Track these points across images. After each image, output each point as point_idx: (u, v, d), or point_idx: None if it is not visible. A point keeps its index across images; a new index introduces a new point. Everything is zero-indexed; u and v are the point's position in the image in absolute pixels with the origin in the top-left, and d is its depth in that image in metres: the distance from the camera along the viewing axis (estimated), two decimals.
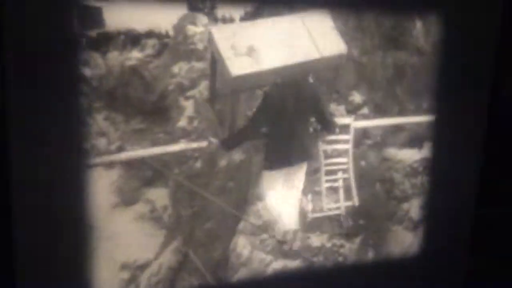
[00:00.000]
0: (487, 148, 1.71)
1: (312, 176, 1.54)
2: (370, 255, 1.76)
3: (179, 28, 1.29)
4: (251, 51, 1.25)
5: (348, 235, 1.77)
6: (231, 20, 1.37)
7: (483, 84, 1.69)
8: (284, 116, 1.35)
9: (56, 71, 1.08)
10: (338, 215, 1.68)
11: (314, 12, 1.33)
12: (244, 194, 1.57)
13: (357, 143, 1.74)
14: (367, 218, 1.78)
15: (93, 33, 1.15)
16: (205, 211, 1.51)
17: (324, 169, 1.53)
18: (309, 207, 1.54)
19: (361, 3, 1.57)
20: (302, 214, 1.54)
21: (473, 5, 1.58)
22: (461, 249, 1.81)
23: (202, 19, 1.32)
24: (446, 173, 1.73)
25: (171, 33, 1.27)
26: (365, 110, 1.71)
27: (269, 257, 1.63)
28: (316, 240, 1.72)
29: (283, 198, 1.46)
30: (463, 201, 1.78)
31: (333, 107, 1.67)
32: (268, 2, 1.43)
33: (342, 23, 1.58)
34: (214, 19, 1.34)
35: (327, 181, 1.56)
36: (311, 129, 1.44)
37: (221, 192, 1.53)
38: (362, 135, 1.74)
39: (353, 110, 1.70)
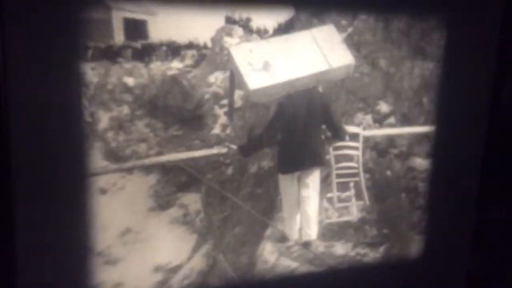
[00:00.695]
0: (488, 150, 1.76)
1: (325, 179, 1.62)
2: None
3: (217, 39, 1.37)
4: (267, 66, 1.34)
5: (372, 244, 1.82)
6: (265, 32, 1.45)
7: (484, 89, 1.73)
8: (297, 124, 1.46)
9: (59, 79, 1.13)
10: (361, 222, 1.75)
11: (322, 28, 1.42)
12: (271, 201, 1.64)
13: (383, 152, 1.79)
14: (392, 228, 1.83)
15: (138, 44, 1.24)
16: (235, 216, 1.58)
17: (335, 172, 1.63)
18: (323, 206, 1.62)
19: (389, 13, 1.63)
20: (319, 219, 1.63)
21: (475, 14, 1.63)
22: (463, 249, 1.84)
23: (238, 31, 1.40)
24: (448, 176, 1.77)
25: (209, 44, 1.35)
26: (391, 120, 1.77)
27: (294, 264, 1.69)
28: (340, 248, 1.78)
29: (299, 199, 1.55)
30: (465, 203, 1.81)
31: (360, 116, 1.73)
32: (301, 13, 1.51)
33: (371, 34, 1.65)
34: (249, 31, 1.43)
35: (338, 183, 1.64)
36: (322, 136, 1.52)
37: (250, 198, 1.60)
38: (388, 145, 1.79)
39: (380, 119, 1.76)
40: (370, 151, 1.76)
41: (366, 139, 1.75)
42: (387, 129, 1.66)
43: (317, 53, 1.39)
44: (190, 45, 1.31)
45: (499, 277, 1.87)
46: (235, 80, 1.36)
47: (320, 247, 1.73)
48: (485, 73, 1.71)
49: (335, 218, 1.65)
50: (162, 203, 1.40)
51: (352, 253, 1.75)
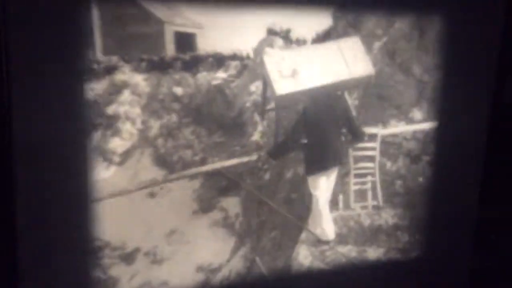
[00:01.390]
0: (490, 148, 1.79)
1: (343, 178, 1.71)
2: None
3: (258, 50, 1.48)
4: (294, 74, 1.47)
5: (404, 250, 1.88)
6: (304, 42, 1.55)
7: (485, 87, 1.76)
8: (320, 128, 1.58)
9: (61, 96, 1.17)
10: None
11: (349, 39, 1.54)
12: (306, 206, 1.72)
13: (416, 159, 1.86)
14: (424, 234, 1.89)
15: (187, 56, 1.35)
16: (271, 220, 1.67)
17: (353, 172, 1.72)
18: (340, 205, 1.72)
19: (423, 21, 1.70)
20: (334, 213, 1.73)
21: (476, 9, 1.66)
22: (464, 249, 1.87)
23: (278, 41, 1.50)
24: (449, 174, 1.80)
25: (251, 55, 1.46)
26: (425, 126, 1.83)
27: (327, 268, 1.77)
28: (372, 253, 1.85)
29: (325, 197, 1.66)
30: (466, 201, 1.84)
31: (393, 123, 1.81)
32: (338, 24, 1.60)
33: (405, 42, 1.72)
34: (289, 41, 1.52)
35: (355, 183, 1.74)
36: (342, 138, 1.63)
37: (285, 203, 1.69)
38: (421, 151, 1.85)
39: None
40: (403, 158, 1.82)
41: (399, 146, 1.82)
42: (397, 128, 1.73)
43: (341, 62, 1.51)
44: (234, 56, 1.42)
45: (501, 276, 1.90)
46: (267, 85, 1.49)
47: (352, 252, 1.80)
48: (486, 72, 1.74)
49: (351, 211, 1.75)
50: (204, 206, 1.50)
51: (384, 259, 1.82)
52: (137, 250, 1.42)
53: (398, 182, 1.85)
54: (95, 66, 1.21)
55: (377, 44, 1.70)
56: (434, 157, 1.78)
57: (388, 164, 1.84)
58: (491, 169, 1.82)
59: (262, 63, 1.44)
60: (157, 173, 1.40)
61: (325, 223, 1.67)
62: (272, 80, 1.44)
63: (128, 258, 1.41)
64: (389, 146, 1.82)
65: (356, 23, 1.63)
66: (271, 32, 1.47)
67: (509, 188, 1.89)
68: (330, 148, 1.58)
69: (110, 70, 1.24)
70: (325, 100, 1.54)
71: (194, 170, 1.45)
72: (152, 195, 1.40)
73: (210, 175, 1.50)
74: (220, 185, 1.53)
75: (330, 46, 1.51)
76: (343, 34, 1.60)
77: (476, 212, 1.86)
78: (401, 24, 1.68)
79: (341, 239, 1.76)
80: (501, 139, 1.84)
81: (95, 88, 1.23)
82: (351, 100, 1.72)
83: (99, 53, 1.21)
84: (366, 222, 1.83)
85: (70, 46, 1.18)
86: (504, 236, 1.91)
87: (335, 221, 1.77)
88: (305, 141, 1.56)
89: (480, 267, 1.90)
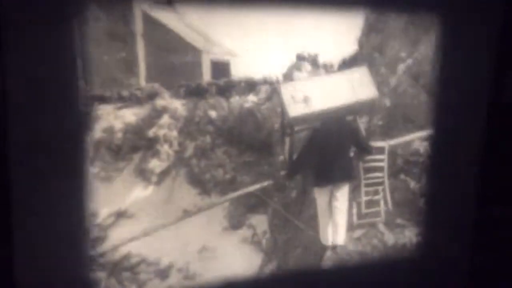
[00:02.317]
0: (489, 148, 1.83)
1: (355, 189, 1.82)
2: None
3: (287, 75, 1.61)
4: (306, 99, 1.61)
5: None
6: (331, 66, 1.67)
7: (484, 87, 1.80)
8: (329, 146, 1.70)
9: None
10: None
11: (357, 69, 1.67)
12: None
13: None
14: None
15: (221, 81, 1.48)
16: (297, 238, 1.78)
17: (364, 182, 1.85)
18: (354, 212, 1.81)
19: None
20: (349, 221, 1.84)
21: (475, 10, 1.72)
22: (463, 248, 1.90)
23: (307, 66, 1.63)
24: (448, 174, 1.82)
25: (280, 79, 1.59)
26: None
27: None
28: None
29: (330, 208, 1.78)
30: (465, 202, 1.87)
31: (417, 143, 1.90)
32: (363, 48, 1.72)
33: (429, 65, 1.83)
34: (316, 66, 1.65)
35: (366, 192, 1.86)
36: (351, 154, 1.74)
37: (310, 221, 1.79)
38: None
39: None
40: (427, 177, 1.91)
41: (418, 163, 1.92)
42: (403, 138, 1.83)
43: (348, 88, 1.66)
44: (264, 81, 1.55)
45: (501, 276, 1.93)
46: (283, 111, 1.64)
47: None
48: (485, 71, 1.79)
49: (364, 220, 1.86)
50: (234, 223, 1.62)
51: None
52: (171, 265, 1.53)
53: (421, 200, 1.93)
54: (139, 92, 1.35)
55: (401, 66, 1.81)
56: (433, 157, 1.83)
57: (412, 184, 1.93)
58: (490, 169, 1.86)
59: (278, 92, 1.59)
60: (191, 191, 1.53)
61: (334, 229, 1.78)
62: (286, 105, 1.59)
63: (163, 273, 1.52)
64: (413, 166, 1.91)
65: (381, 47, 1.75)
66: (300, 57, 1.60)
67: (509, 188, 1.94)
68: (338, 165, 1.72)
69: (152, 96, 1.37)
70: (334, 122, 1.69)
71: (229, 196, 1.58)
72: (186, 212, 1.52)
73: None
74: (248, 202, 1.65)
75: (339, 75, 1.66)
76: (369, 58, 1.72)
77: (475, 213, 1.91)
78: (424, 46, 1.78)
79: (364, 256, 1.85)
80: (500, 139, 1.90)
81: (138, 113, 1.37)
82: (375, 121, 1.84)
83: (142, 80, 1.35)
84: (390, 241, 1.92)
85: (65, 49, 1.16)
86: (504, 236, 1.95)
87: (359, 240, 1.86)
88: (315, 159, 1.69)
89: (480, 267, 1.94)
